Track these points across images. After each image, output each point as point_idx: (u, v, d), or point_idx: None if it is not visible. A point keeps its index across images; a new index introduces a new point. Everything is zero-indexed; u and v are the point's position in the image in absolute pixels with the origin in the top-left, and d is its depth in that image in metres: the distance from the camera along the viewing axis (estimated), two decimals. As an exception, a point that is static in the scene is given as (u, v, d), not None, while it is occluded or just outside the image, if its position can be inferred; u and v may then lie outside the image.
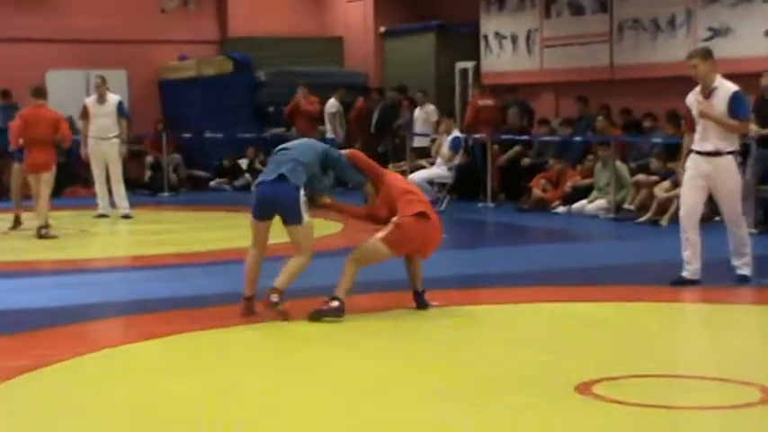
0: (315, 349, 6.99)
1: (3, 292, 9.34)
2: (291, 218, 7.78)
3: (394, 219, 7.85)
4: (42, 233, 12.94)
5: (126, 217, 15.15)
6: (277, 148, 8.17)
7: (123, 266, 11.07)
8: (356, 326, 7.59)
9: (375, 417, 5.43)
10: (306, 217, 7.78)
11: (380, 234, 7.84)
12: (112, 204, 15.34)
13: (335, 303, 7.71)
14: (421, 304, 8.08)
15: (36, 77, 20.13)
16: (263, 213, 7.86)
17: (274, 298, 7.67)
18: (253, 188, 8.15)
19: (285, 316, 7.68)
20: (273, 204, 7.81)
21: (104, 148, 15.18)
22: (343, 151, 8.34)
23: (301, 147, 8.04)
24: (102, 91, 15.26)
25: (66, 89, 17.47)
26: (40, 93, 13.77)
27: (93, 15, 21.20)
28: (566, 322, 7.82)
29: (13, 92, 19.20)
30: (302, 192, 7.77)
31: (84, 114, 15.27)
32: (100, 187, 15.34)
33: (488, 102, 18.10)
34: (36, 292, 9.33)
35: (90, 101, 15.40)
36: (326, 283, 9.36)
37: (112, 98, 15.32)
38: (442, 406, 5.60)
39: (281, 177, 7.74)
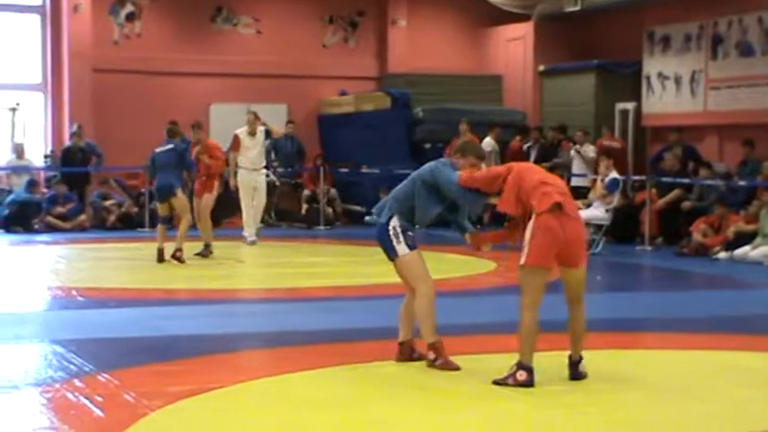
0: (467, 387, 6.92)
1: (164, 318, 9.59)
2: (388, 254, 7.49)
3: (530, 224, 6.88)
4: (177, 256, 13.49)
5: (252, 243, 15.78)
6: None
7: (278, 298, 11.22)
8: (499, 365, 7.46)
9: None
10: (400, 249, 7.39)
11: (522, 259, 6.89)
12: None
13: (522, 376, 6.89)
14: (572, 374, 7.09)
15: (200, 111, 20.81)
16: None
17: (431, 356, 7.40)
18: None
19: (451, 366, 7.33)
20: (380, 246, 7.60)
21: (254, 178, 15.92)
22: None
23: (407, 180, 7.57)
24: (254, 127, 15.83)
25: (228, 122, 17.88)
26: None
27: (255, 50, 21.71)
28: (723, 371, 7.57)
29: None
30: (392, 225, 7.40)
31: (236, 146, 15.84)
32: (247, 216, 15.93)
33: (614, 144, 17.87)
34: (195, 320, 9.55)
35: (242, 133, 15.92)
36: (478, 320, 9.33)
37: (260, 129, 15.89)
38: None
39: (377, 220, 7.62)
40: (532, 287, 6.89)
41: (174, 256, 13.41)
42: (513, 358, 7.53)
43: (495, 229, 8.01)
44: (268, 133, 16.13)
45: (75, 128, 19.51)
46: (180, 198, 13.68)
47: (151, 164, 13.86)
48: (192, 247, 13.92)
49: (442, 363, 7.35)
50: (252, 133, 15.89)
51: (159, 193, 13.74)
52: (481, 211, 7.66)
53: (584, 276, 7.11)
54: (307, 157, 20.62)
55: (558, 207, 6.88)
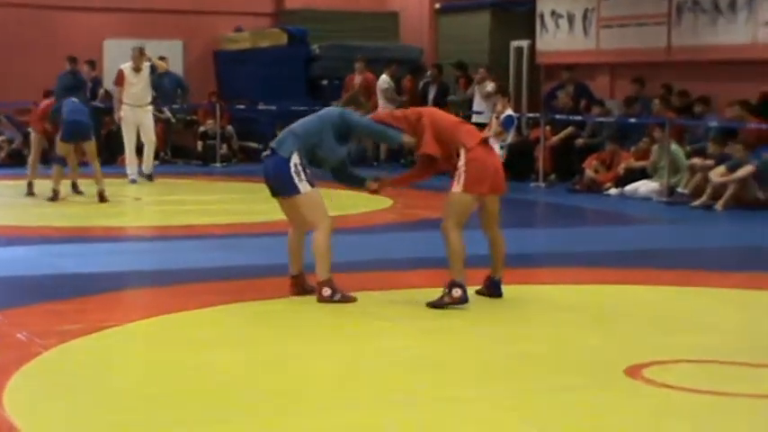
0: (365, 324, 7.00)
1: (58, 256, 9.47)
2: (285, 191, 7.46)
3: (461, 157, 7.30)
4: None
5: (149, 178, 15.86)
6: None
7: (173, 235, 11.15)
8: (407, 301, 7.59)
9: (418, 393, 5.43)
10: (302, 187, 7.40)
11: (457, 186, 7.29)
12: (140, 173, 16.02)
13: (458, 293, 7.27)
14: (494, 293, 7.66)
15: (94, 46, 20.39)
16: (271, 191, 7.64)
17: (326, 292, 7.43)
18: None
19: (350, 299, 7.46)
20: (269, 181, 7.56)
21: (139, 116, 15.85)
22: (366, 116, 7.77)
23: (309, 117, 7.66)
24: (139, 62, 15.70)
25: (122, 58, 17.56)
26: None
27: (150, -16, 21.30)
28: (616, 304, 7.77)
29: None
30: (294, 162, 7.37)
31: (120, 80, 15.70)
32: (130, 154, 15.79)
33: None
34: (90, 258, 9.44)
35: (127, 69, 15.78)
36: (376, 257, 9.40)
37: (145, 65, 15.82)
38: (488, 384, 5.61)
39: (272, 151, 7.53)
40: (460, 212, 7.33)
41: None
42: (411, 294, 7.67)
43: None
44: (153, 69, 16.00)
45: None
46: (93, 142, 13.49)
47: (58, 110, 13.44)
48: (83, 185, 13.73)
49: (341, 297, 7.44)
50: (137, 69, 15.84)
51: (74, 128, 13.23)
52: (397, 146, 7.90)
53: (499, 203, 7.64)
54: (189, 93, 20.30)
55: (485, 142, 7.45)
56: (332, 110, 7.72)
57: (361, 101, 7.94)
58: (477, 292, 7.69)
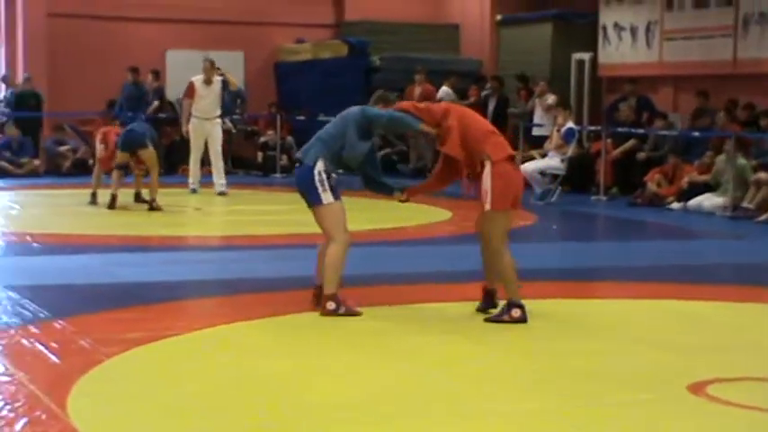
0: (421, 335, 6.96)
1: (119, 265, 9.55)
2: (309, 200, 7.40)
3: (486, 169, 7.17)
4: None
5: (222, 194, 15.60)
6: None
7: (234, 245, 11.21)
8: (464, 314, 7.56)
9: (479, 406, 5.40)
10: (325, 197, 7.33)
11: (486, 205, 7.18)
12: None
13: (517, 313, 7.19)
14: (488, 304, 7.42)
15: (156, 57, 20.62)
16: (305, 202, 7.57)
17: (330, 306, 7.34)
18: None
19: (354, 313, 7.38)
20: (298, 191, 7.54)
21: (207, 128, 15.72)
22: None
23: (333, 120, 7.62)
24: (210, 75, 15.66)
25: (185, 69, 17.73)
26: None
27: (212, -5, 21.50)
28: (678, 320, 7.68)
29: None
30: (318, 169, 7.33)
31: (190, 93, 15.70)
32: (194, 165, 15.80)
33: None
34: (150, 267, 9.52)
35: (198, 81, 15.76)
36: (434, 269, 9.36)
37: (216, 79, 15.75)
38: (549, 397, 5.56)
39: (300, 162, 7.52)
40: (500, 230, 7.23)
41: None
42: (469, 306, 7.63)
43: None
44: (225, 84, 15.98)
45: (26, 75, 19.34)
46: (149, 150, 13.57)
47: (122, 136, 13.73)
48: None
49: (346, 310, 7.37)
50: (207, 81, 15.74)
51: (127, 137, 13.51)
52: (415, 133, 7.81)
53: None
54: (246, 104, 20.37)
55: (513, 158, 7.34)
56: (353, 108, 7.62)
57: (390, 98, 7.79)
58: (478, 310, 7.49)
